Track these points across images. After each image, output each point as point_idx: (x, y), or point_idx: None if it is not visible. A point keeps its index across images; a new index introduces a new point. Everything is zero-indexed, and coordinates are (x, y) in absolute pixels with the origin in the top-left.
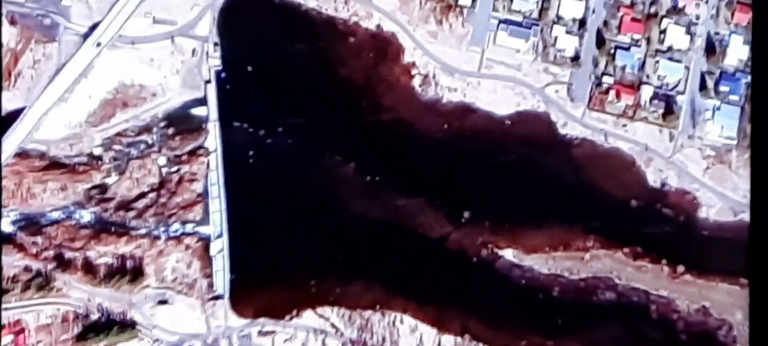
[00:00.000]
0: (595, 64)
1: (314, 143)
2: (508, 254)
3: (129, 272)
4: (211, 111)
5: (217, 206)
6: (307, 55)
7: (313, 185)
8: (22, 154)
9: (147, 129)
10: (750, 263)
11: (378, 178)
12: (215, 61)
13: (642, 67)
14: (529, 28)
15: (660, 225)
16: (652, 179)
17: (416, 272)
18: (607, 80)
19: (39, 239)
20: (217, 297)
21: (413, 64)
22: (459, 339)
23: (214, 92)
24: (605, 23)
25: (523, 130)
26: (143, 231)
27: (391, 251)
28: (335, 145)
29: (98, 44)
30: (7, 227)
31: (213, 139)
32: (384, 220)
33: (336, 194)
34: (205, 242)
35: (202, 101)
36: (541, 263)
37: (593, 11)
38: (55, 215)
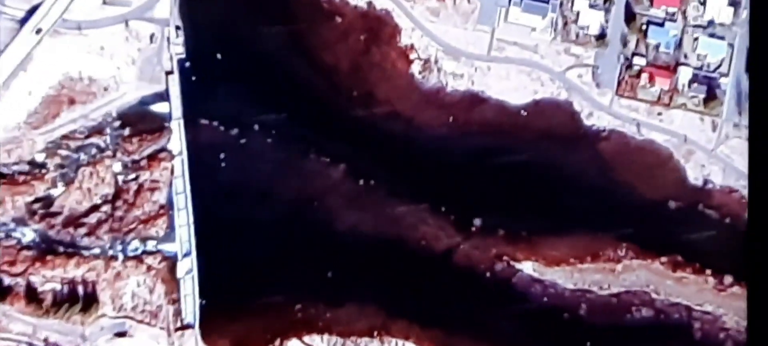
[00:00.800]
0: (625, 43)
1: (296, 143)
2: (527, 267)
3: (80, 299)
4: (173, 107)
5: (184, 219)
6: (285, 39)
7: (295, 192)
8: None
9: (98, 130)
10: (747, 265)
11: (372, 182)
12: (178, 49)
13: (679, 45)
14: (547, 2)
15: (703, 229)
16: (693, 176)
17: (419, 291)
18: (639, 62)
19: None
20: (186, 326)
21: (411, 47)
22: None
23: (176, 85)
24: None
25: (542, 122)
26: (97, 251)
27: (389, 267)
28: (320, 145)
29: (38, 31)
30: None
31: (177, 140)
32: (380, 232)
33: (323, 202)
34: (171, 261)
35: (163, 96)
36: (565, 278)
37: None
38: None
